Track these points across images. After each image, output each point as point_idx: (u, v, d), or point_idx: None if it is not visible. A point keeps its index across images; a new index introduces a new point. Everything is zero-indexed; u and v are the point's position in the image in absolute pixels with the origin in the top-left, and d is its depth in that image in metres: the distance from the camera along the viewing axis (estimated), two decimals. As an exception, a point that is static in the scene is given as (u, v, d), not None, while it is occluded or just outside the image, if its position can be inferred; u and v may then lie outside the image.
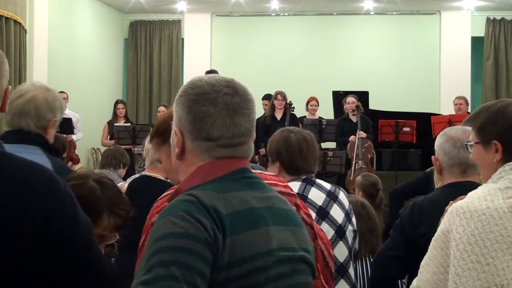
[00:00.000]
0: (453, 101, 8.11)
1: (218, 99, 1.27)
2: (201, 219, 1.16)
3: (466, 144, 1.84)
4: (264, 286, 1.22)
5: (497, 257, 1.62)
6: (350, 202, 2.89)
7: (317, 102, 8.40)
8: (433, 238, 1.69)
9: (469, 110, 7.89)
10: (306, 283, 1.32)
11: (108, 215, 1.75)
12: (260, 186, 1.33)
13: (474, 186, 2.02)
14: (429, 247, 1.69)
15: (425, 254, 2.22)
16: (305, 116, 8.36)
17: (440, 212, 2.21)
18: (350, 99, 7.97)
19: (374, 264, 2.41)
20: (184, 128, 1.29)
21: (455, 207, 1.69)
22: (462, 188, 2.20)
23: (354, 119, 7.89)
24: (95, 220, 1.65)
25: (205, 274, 1.13)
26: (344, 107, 8.08)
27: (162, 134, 1.81)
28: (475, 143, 1.79)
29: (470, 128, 1.85)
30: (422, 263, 1.69)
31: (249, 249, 1.21)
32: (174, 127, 1.32)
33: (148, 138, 2.03)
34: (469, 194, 1.73)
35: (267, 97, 8.46)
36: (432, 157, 2.36)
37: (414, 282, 1.73)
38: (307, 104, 8.44)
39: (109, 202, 1.77)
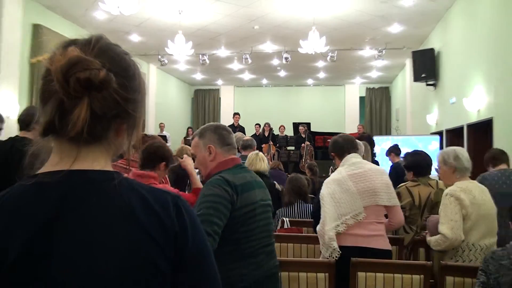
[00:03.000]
0: (357, 126, 12.59)
1: (225, 128, 2.06)
2: (226, 188, 1.81)
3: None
4: (254, 216, 1.91)
5: (343, 200, 2.49)
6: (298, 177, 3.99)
7: (284, 127, 11.82)
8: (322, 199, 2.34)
9: (364, 131, 11.72)
10: (270, 216, 2.07)
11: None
12: (249, 170, 2.00)
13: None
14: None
15: None
16: (278, 135, 11.52)
17: None
18: (301, 128, 11.26)
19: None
20: (214, 143, 1.97)
21: (323, 181, 2.38)
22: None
23: (303, 136, 11.12)
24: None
25: (226, 214, 1.79)
26: (299, 129, 11.11)
27: None
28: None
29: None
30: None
31: (247, 200, 1.87)
32: (207, 145, 1.97)
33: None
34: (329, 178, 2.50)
35: (257, 124, 11.64)
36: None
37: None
38: (279, 128, 11.84)
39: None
